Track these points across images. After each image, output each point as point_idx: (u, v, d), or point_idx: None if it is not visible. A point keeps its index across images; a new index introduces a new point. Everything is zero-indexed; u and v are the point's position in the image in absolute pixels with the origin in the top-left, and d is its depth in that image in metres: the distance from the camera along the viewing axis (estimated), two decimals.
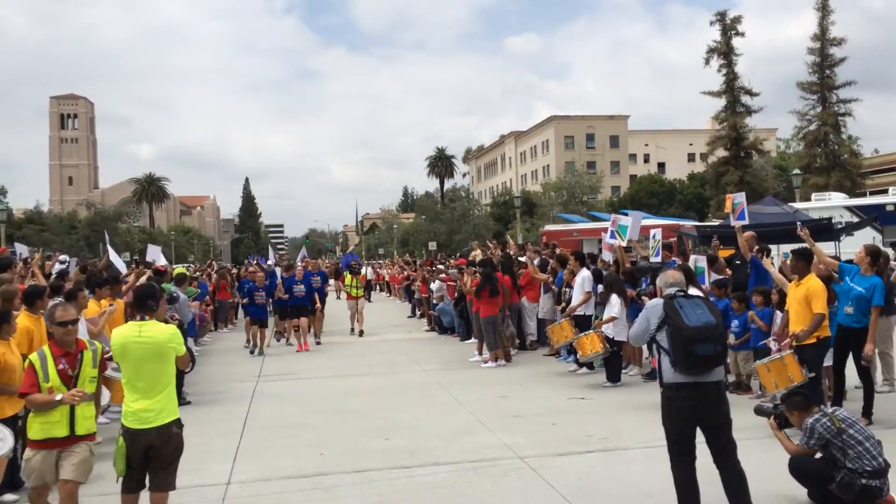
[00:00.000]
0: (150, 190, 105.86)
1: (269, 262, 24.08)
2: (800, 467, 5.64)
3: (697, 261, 11.08)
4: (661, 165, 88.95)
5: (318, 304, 17.57)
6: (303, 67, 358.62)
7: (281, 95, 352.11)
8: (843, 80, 50.13)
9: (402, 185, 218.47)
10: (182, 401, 8.64)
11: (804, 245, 8.00)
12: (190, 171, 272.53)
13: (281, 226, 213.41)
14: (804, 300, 7.52)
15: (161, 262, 16.78)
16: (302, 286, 16.35)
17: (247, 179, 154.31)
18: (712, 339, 4.88)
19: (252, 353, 15.34)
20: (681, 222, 30.12)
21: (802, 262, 7.65)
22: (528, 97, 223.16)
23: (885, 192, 30.06)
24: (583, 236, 27.97)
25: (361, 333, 18.31)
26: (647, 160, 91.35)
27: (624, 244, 13.15)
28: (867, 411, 7.89)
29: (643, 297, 9.56)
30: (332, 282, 28.47)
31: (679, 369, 4.90)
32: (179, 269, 16.39)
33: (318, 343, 16.95)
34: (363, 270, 23.99)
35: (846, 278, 8.21)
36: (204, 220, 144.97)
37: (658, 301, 5.21)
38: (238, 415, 9.51)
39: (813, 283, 7.62)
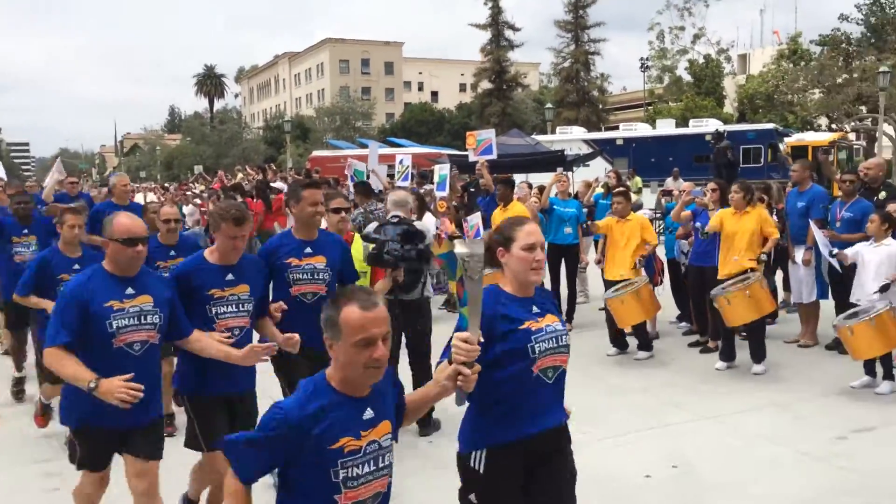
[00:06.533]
0: None
1: None
2: None
3: (441, 168, 11.99)
4: (435, 94, 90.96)
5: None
6: None
7: None
8: (594, 21, 54.28)
9: (168, 104, 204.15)
10: None
11: (510, 175, 8.98)
12: None
13: (26, 144, 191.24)
14: None
15: None
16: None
17: None
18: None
19: None
20: (444, 151, 31.47)
21: (508, 189, 8.61)
22: (307, 16, 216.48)
23: (617, 128, 33.48)
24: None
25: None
26: (421, 88, 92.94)
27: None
28: (570, 317, 9.33)
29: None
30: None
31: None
32: None
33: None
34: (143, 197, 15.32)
35: (556, 207, 9.49)
36: None
37: (373, 226, 5.85)
38: None
39: (519, 208, 8.63)
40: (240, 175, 19.22)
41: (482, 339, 2.49)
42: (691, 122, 30.46)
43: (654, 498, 4.68)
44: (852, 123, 38.05)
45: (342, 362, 2.28)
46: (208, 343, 3.80)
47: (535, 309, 2.89)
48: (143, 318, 3.57)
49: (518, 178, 17.55)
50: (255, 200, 13.88)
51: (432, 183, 15.83)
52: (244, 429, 3.90)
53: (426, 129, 59.18)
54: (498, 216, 8.50)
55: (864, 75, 34.63)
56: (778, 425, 5.85)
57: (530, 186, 12.88)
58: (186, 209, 19.08)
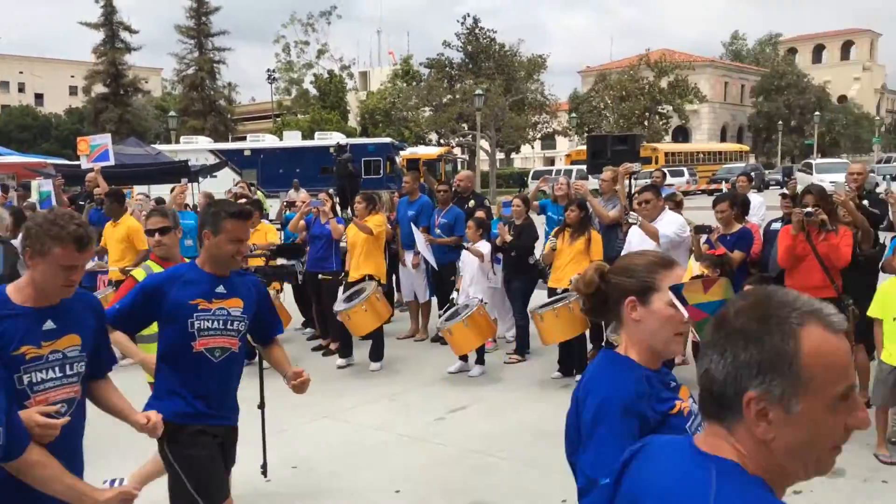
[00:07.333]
0: None
1: None
2: None
3: (42, 185, 11.24)
4: (40, 97, 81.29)
5: None
6: None
7: None
8: (219, 29, 53.40)
9: None
10: None
11: (119, 188, 8.50)
12: None
13: None
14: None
15: None
16: None
17: None
18: None
19: None
20: (51, 160, 28.29)
21: (117, 204, 8.13)
22: None
23: (245, 138, 33.36)
24: None
25: None
26: (22, 89, 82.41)
27: None
28: None
29: None
30: None
31: None
32: None
33: None
34: None
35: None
36: None
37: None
38: None
39: (132, 222, 8.20)
40: None
41: None
42: (317, 134, 31.58)
43: (275, 498, 4.82)
44: (457, 139, 42.92)
45: (795, 443, 1.16)
46: (55, 471, 2.33)
47: (672, 384, 1.93)
48: None
49: (139, 189, 16.56)
50: None
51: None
52: None
53: (29, 136, 52.74)
54: (109, 232, 7.94)
55: (465, 96, 39.26)
56: (387, 415, 6.40)
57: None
58: None
